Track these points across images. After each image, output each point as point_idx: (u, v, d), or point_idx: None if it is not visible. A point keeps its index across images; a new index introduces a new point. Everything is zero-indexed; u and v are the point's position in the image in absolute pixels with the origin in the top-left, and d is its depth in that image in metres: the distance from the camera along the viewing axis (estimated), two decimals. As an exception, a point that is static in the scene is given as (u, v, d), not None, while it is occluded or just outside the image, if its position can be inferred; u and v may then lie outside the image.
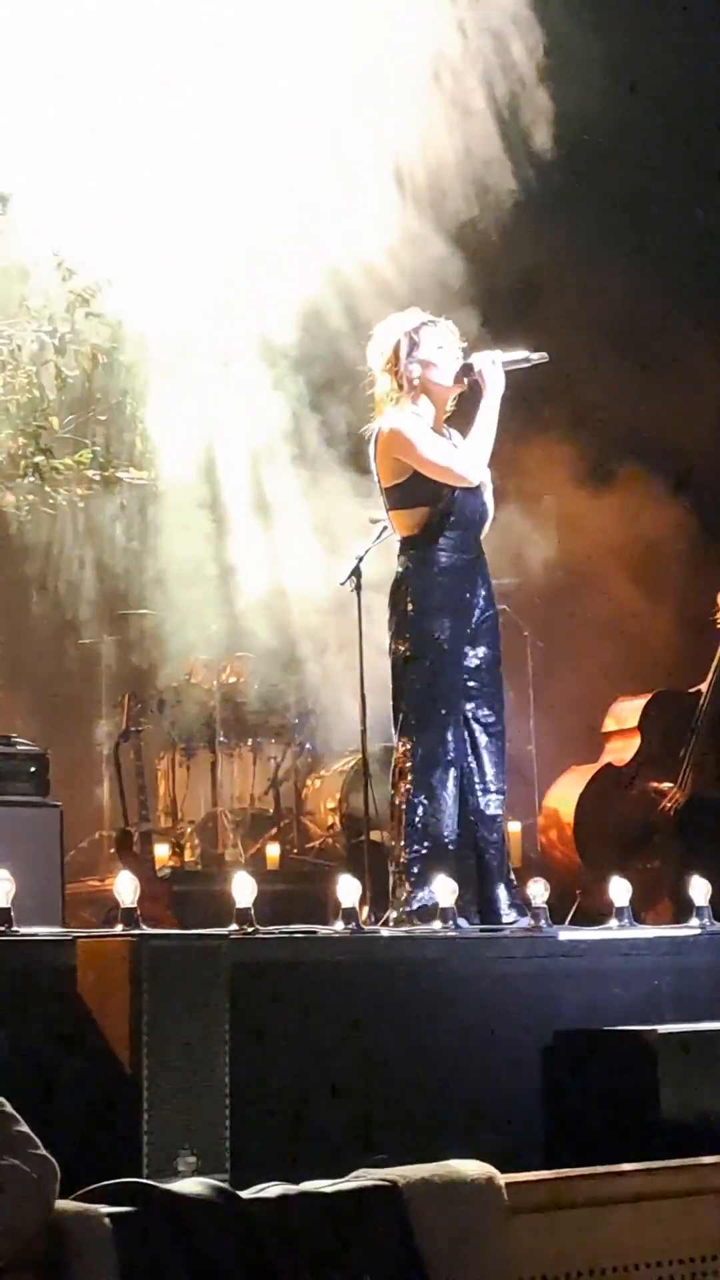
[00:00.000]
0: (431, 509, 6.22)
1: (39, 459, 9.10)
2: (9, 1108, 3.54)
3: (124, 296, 9.28)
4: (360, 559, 7.69)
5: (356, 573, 7.72)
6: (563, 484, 11.02)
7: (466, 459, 6.23)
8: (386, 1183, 4.06)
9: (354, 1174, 4.12)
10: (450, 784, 6.16)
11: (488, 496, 6.38)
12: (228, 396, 9.85)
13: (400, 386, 6.27)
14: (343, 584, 7.82)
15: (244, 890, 5.05)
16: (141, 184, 9.08)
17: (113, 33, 8.96)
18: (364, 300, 9.54)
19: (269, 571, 10.25)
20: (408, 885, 6.07)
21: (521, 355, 6.34)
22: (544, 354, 6.38)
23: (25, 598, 10.66)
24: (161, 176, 9.13)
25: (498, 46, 10.00)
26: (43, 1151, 3.51)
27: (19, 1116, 3.55)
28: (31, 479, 9.19)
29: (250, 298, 9.48)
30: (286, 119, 9.37)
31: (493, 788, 6.26)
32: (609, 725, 9.41)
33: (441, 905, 5.59)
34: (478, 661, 6.28)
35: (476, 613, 6.28)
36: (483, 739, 6.26)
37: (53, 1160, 3.51)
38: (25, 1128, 3.53)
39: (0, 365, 9.24)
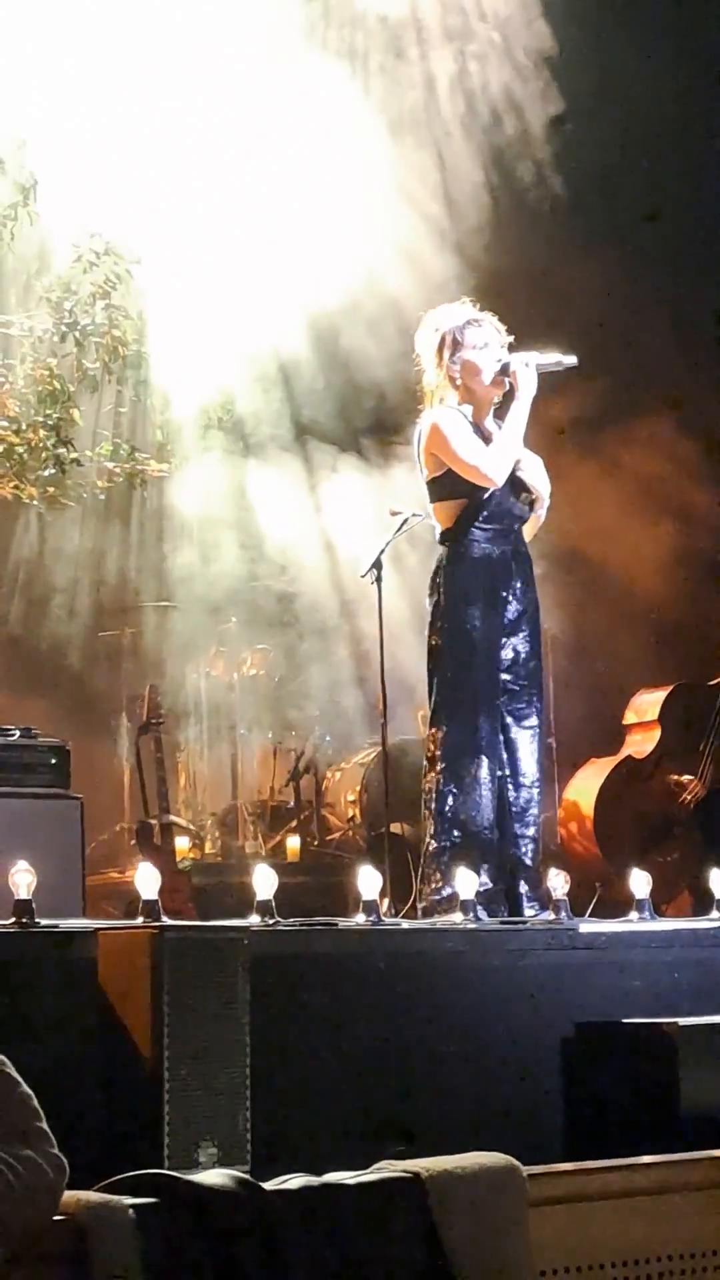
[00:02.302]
0: (469, 502, 6.27)
1: (60, 451, 9.10)
2: (34, 1102, 3.58)
3: (141, 290, 9.30)
4: (381, 551, 7.68)
5: (377, 565, 7.71)
6: (581, 472, 10.97)
7: (492, 460, 6.26)
8: (409, 1174, 4.06)
9: (376, 1165, 4.12)
10: (483, 774, 6.17)
11: (543, 498, 6.41)
12: (236, 393, 9.87)
13: (445, 382, 6.33)
14: (363, 576, 7.81)
15: (265, 882, 5.06)
16: (147, 183, 9.14)
17: (119, 36, 9.02)
18: (367, 303, 9.56)
19: (285, 566, 10.26)
20: (437, 875, 6.08)
21: (554, 359, 6.41)
22: (574, 357, 6.44)
23: (46, 590, 10.67)
24: (165, 176, 9.20)
25: (508, 47, 10.04)
26: (57, 1151, 3.56)
27: (41, 1112, 3.59)
28: (52, 471, 9.20)
29: (252, 298, 9.50)
30: (290, 122, 9.42)
31: (527, 781, 6.28)
32: (629, 718, 9.40)
33: (463, 897, 5.60)
34: (512, 656, 6.30)
35: (513, 606, 6.30)
36: (517, 733, 6.28)
37: (64, 1160, 3.57)
38: (45, 1125, 3.58)
39: (21, 357, 9.26)
